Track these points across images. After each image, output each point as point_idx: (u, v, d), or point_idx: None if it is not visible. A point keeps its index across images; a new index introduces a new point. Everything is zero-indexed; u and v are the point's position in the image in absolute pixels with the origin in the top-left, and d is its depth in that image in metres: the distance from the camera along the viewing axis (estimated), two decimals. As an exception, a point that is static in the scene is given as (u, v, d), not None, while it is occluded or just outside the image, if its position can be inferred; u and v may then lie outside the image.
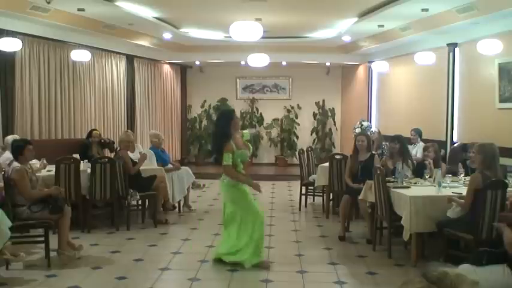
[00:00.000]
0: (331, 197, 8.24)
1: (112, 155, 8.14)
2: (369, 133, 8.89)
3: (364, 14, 9.14)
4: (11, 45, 7.77)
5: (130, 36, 10.90)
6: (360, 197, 6.38)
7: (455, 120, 9.18)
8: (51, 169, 6.98)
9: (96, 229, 7.09)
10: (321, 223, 7.76)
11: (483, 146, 5.15)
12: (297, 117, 15.05)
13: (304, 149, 9.36)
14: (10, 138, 7.24)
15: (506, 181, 5.21)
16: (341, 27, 10.68)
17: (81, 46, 9.66)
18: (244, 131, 5.91)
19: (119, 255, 5.95)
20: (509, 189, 5.07)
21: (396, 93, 11.77)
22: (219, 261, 5.55)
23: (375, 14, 8.77)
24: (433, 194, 5.56)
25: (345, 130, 14.42)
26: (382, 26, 9.74)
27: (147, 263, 5.63)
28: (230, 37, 8.78)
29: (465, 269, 3.36)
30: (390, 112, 12.02)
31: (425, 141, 8.66)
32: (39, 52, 9.18)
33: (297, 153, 10.56)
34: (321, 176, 8.27)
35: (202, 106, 14.97)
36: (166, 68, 14.08)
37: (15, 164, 5.53)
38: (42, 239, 5.41)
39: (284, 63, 14.04)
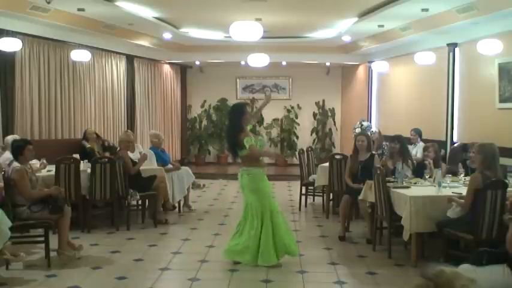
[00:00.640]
0: (331, 197, 8.24)
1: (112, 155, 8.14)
2: (369, 133, 8.89)
3: (364, 14, 9.14)
4: (11, 45, 7.78)
5: (131, 36, 10.90)
6: (360, 197, 6.38)
7: (455, 120, 9.18)
8: (51, 169, 6.98)
9: (96, 229, 7.09)
10: (321, 223, 7.76)
11: (483, 146, 5.15)
12: (297, 117, 15.05)
13: (304, 149, 9.36)
14: (10, 138, 7.24)
15: (506, 181, 5.21)
16: (341, 27, 10.68)
17: (81, 46, 9.66)
18: (259, 138, 5.93)
19: (118, 255, 5.95)
20: (509, 189, 5.07)
21: (396, 93, 11.77)
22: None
23: (375, 14, 8.77)
24: (433, 194, 5.56)
25: (345, 130, 14.42)
26: (382, 26, 9.74)
27: (147, 263, 5.63)
28: (230, 37, 8.78)
29: (465, 269, 3.36)
30: (390, 112, 12.02)
31: (425, 141, 8.66)
32: (39, 52, 9.18)
33: (297, 153, 10.56)
34: (321, 176, 8.27)
35: (202, 106, 14.98)
36: (166, 68, 14.08)
37: (15, 164, 5.53)
38: (42, 239, 5.41)
39: (284, 63, 14.04)
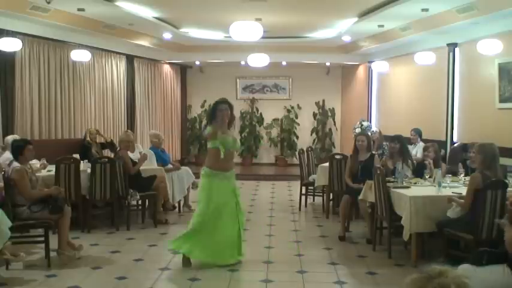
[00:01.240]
0: (331, 197, 8.24)
1: (112, 155, 8.15)
2: (369, 133, 8.89)
3: (364, 14, 9.14)
4: (11, 45, 7.78)
5: (130, 36, 10.90)
6: (360, 197, 6.38)
7: (455, 120, 9.18)
8: (51, 169, 6.98)
9: (96, 229, 7.09)
10: (321, 223, 7.75)
11: (483, 146, 5.15)
12: (297, 117, 15.05)
13: (304, 149, 9.36)
14: (10, 138, 7.24)
15: (506, 181, 5.21)
16: (341, 27, 10.68)
17: (81, 46, 9.67)
18: (227, 137, 5.50)
19: (119, 255, 5.95)
20: (509, 189, 5.07)
21: (396, 93, 11.77)
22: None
23: (375, 14, 8.77)
24: (433, 194, 5.56)
25: (345, 130, 14.42)
26: (382, 26, 9.74)
27: (147, 263, 5.63)
28: (230, 37, 8.78)
29: (465, 269, 3.36)
30: (390, 112, 12.02)
31: (425, 141, 8.66)
32: (39, 52, 9.18)
33: (297, 153, 10.56)
34: (321, 176, 8.27)
35: (202, 106, 14.95)
36: (166, 68, 14.08)
37: (15, 164, 5.53)
38: (42, 239, 5.41)
39: (284, 63, 14.04)
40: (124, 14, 8.94)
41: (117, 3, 8.36)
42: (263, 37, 8.43)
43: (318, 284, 5.09)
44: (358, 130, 11.13)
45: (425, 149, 7.16)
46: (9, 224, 4.88)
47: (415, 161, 6.97)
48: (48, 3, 7.58)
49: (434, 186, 5.75)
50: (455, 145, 8.75)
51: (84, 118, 10.39)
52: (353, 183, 6.91)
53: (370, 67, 12.69)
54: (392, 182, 6.04)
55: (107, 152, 9.45)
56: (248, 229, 7.24)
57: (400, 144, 6.70)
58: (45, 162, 7.11)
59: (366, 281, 5.14)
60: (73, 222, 6.02)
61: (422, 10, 8.08)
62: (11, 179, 5.45)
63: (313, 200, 9.12)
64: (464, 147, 7.76)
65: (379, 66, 11.64)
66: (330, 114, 14.92)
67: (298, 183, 9.25)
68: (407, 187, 5.86)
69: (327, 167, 8.05)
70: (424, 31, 9.19)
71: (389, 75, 12.03)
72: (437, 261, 4.58)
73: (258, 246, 6.35)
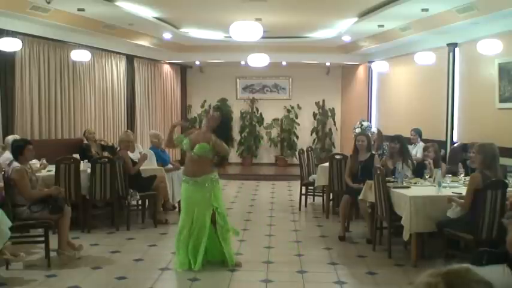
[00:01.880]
0: (331, 197, 8.24)
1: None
2: (369, 133, 8.89)
3: (364, 14, 9.14)
4: (11, 45, 7.77)
5: (130, 36, 10.90)
6: (360, 197, 6.38)
7: (455, 120, 9.18)
8: (51, 169, 6.98)
9: (96, 229, 7.09)
10: (321, 223, 7.75)
11: (483, 146, 5.15)
12: (297, 117, 15.05)
13: (304, 149, 9.36)
14: (10, 138, 7.24)
15: (506, 181, 5.21)
16: (341, 27, 10.68)
17: (81, 46, 9.66)
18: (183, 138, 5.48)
19: (119, 255, 5.95)
20: (509, 189, 5.07)
21: (396, 93, 11.77)
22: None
23: (375, 14, 8.77)
24: (433, 194, 5.56)
25: (345, 130, 14.42)
26: (382, 26, 9.73)
27: (147, 263, 5.63)
28: (230, 37, 8.78)
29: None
30: (390, 112, 12.02)
31: (425, 141, 8.66)
32: (39, 52, 9.18)
33: (297, 153, 10.56)
34: (321, 176, 8.27)
35: (202, 106, 14.95)
36: (166, 68, 14.08)
37: (15, 164, 5.53)
38: (42, 239, 5.41)
39: (284, 63, 14.04)
40: (124, 14, 8.94)
41: (117, 3, 8.36)
42: (263, 37, 8.43)
43: (318, 284, 5.09)
44: (358, 130, 11.13)
45: (425, 149, 7.16)
46: (9, 224, 4.88)
47: (415, 161, 6.98)
48: (48, 3, 7.58)
49: (434, 186, 5.75)
50: (455, 145, 8.74)
51: (84, 118, 10.39)
52: (353, 183, 6.91)
53: (370, 67, 12.69)
54: (392, 182, 6.04)
55: (107, 154, 9.44)
56: (248, 229, 7.27)
57: (400, 144, 6.70)
58: (45, 162, 7.12)
59: (366, 281, 5.14)
60: (73, 222, 6.03)
61: (422, 10, 8.08)
62: (11, 179, 5.45)
63: (313, 200, 9.12)
64: (464, 147, 7.76)
65: (379, 66, 11.64)
66: (330, 114, 14.92)
67: (298, 183, 9.25)
68: (407, 187, 5.86)
69: (327, 167, 8.05)
70: (424, 31, 9.18)
71: (389, 75, 12.03)
72: (437, 262, 4.58)
73: (258, 246, 6.36)
